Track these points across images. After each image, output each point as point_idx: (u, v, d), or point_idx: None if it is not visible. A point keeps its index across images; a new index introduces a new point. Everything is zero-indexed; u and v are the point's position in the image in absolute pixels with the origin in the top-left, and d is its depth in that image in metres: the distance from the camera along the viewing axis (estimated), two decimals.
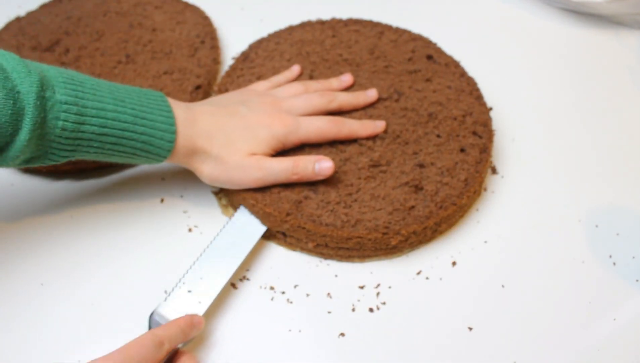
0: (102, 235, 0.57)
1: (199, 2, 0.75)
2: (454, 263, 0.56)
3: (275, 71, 0.65)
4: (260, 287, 0.54)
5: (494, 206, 0.60)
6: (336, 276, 0.55)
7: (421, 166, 0.56)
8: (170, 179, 0.61)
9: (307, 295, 0.54)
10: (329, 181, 0.55)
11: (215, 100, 0.59)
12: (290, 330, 0.51)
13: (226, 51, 0.73)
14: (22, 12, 0.74)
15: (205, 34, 0.70)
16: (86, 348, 0.50)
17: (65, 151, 0.48)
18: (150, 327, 0.49)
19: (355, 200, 0.54)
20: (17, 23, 0.71)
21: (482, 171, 0.57)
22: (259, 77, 0.64)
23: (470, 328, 0.52)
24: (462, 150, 0.58)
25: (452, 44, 0.69)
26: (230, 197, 0.58)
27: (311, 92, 0.60)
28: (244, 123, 0.55)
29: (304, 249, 0.56)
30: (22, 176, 0.62)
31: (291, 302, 0.53)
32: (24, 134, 0.44)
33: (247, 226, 0.55)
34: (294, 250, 0.57)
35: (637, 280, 0.55)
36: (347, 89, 0.63)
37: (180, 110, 0.53)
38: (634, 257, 0.56)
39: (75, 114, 0.47)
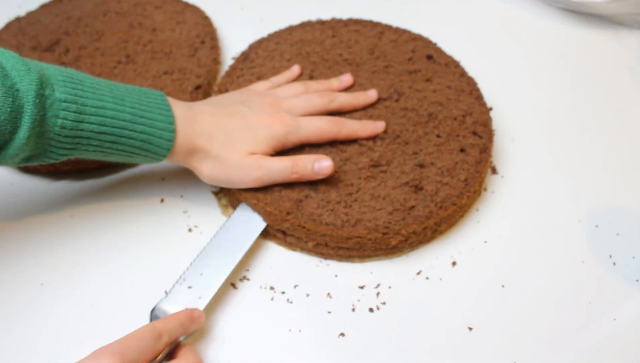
0: (102, 235, 0.57)
1: (199, 2, 0.75)
2: (454, 263, 0.56)
3: (275, 71, 0.65)
4: (260, 287, 0.54)
5: (494, 206, 0.60)
6: (336, 276, 0.55)
7: (421, 166, 0.56)
8: (170, 179, 0.61)
9: (307, 295, 0.54)
10: (329, 181, 0.55)
11: (215, 100, 0.59)
12: (290, 330, 0.51)
13: (226, 51, 0.73)
14: (22, 12, 0.74)
15: (205, 34, 0.70)
16: (86, 348, 0.49)
17: (64, 149, 0.48)
18: None
19: (356, 200, 0.54)
20: (17, 23, 0.72)
21: (482, 171, 0.57)
22: (259, 77, 0.64)
23: (470, 328, 0.52)
24: (462, 150, 0.58)
25: (452, 44, 0.69)
26: (230, 197, 0.58)
27: (311, 93, 0.60)
28: (244, 123, 0.55)
29: (304, 249, 0.56)
30: (22, 175, 0.62)
31: (291, 302, 0.53)
32: (23, 132, 0.45)
33: (247, 223, 0.55)
34: (294, 249, 0.57)
35: (637, 280, 0.54)
36: (347, 89, 0.63)
37: (180, 109, 0.53)
38: (634, 257, 0.56)
39: (75, 112, 0.47)
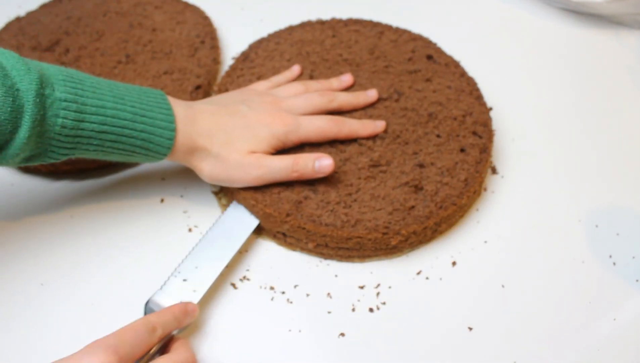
0: (101, 235, 0.57)
1: (199, 2, 0.75)
2: (454, 263, 0.56)
3: (275, 71, 0.65)
4: (260, 287, 0.54)
5: (494, 206, 0.60)
6: (336, 276, 0.55)
7: (421, 166, 0.56)
8: (170, 179, 0.61)
9: (307, 295, 0.54)
10: (328, 181, 0.55)
11: (215, 99, 0.59)
12: (290, 330, 0.51)
13: (226, 51, 0.73)
14: (22, 12, 0.74)
15: (205, 34, 0.70)
16: None
17: (64, 148, 0.48)
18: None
19: (355, 200, 0.54)
20: (17, 23, 0.71)
21: (482, 171, 0.57)
22: (259, 77, 0.64)
23: (470, 328, 0.52)
24: (462, 150, 0.58)
25: (452, 44, 0.69)
26: (230, 197, 0.58)
27: (311, 92, 0.60)
28: (244, 122, 0.55)
29: (304, 249, 0.56)
30: (22, 176, 0.62)
31: (291, 302, 0.53)
32: (23, 132, 0.45)
33: (242, 217, 0.55)
34: (294, 250, 0.56)
35: (637, 280, 0.54)
36: (347, 89, 0.63)
37: (180, 108, 0.53)
38: (634, 257, 0.56)
39: (75, 111, 0.47)
